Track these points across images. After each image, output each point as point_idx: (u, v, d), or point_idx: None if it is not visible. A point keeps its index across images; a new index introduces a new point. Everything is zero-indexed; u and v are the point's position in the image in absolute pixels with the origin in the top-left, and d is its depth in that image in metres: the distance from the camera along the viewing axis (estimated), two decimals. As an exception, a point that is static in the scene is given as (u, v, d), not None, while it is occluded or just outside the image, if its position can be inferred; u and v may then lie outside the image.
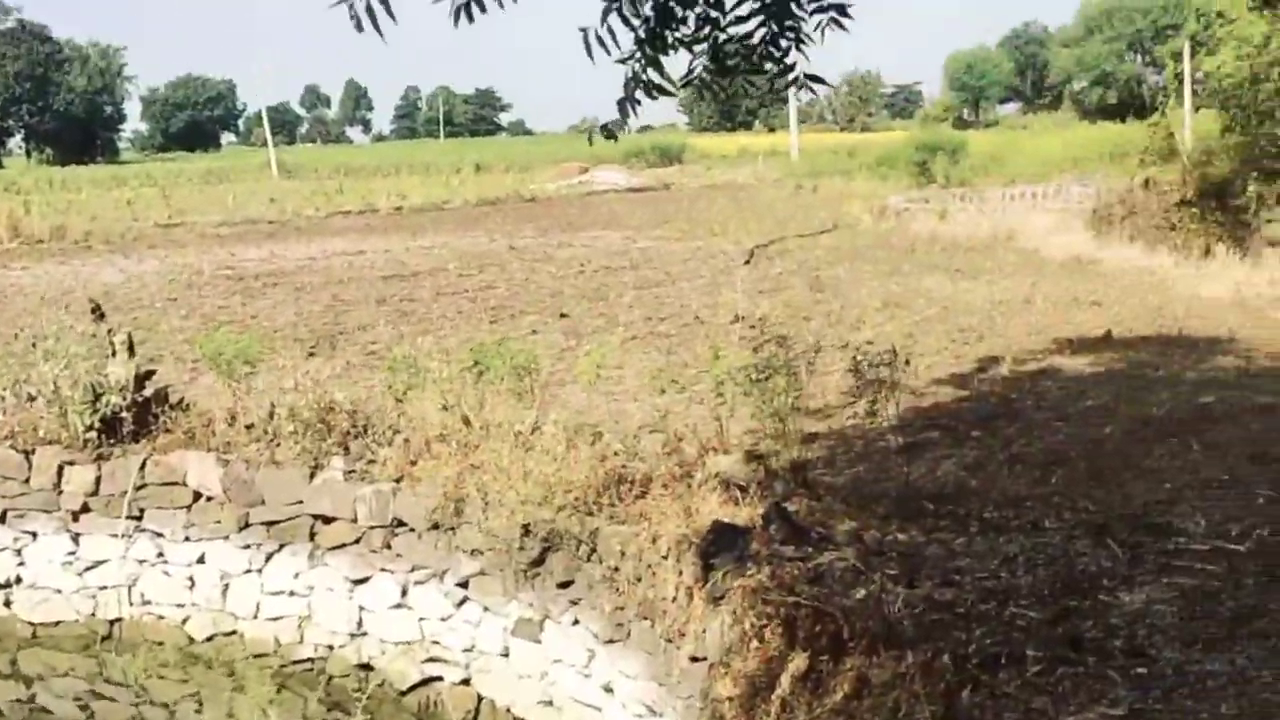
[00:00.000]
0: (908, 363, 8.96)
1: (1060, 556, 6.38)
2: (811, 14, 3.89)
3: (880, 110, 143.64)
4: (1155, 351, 13.07)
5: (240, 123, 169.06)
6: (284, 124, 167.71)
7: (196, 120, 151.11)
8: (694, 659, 6.29)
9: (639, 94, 3.84)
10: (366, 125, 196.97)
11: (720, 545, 6.57)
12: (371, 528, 8.86)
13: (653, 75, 3.78)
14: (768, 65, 3.86)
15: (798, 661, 5.00)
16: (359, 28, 3.52)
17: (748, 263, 23.02)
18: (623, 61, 3.72)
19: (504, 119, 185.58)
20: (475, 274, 22.11)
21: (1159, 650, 5.13)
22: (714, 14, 3.90)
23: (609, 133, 3.95)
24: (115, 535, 9.84)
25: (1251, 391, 11.03)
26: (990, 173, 37.95)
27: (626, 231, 30.59)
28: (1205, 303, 16.63)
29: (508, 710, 8.29)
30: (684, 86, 3.80)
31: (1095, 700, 4.65)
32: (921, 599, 5.73)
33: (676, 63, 3.87)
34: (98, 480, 9.91)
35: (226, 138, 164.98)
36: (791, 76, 3.89)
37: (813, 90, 4.01)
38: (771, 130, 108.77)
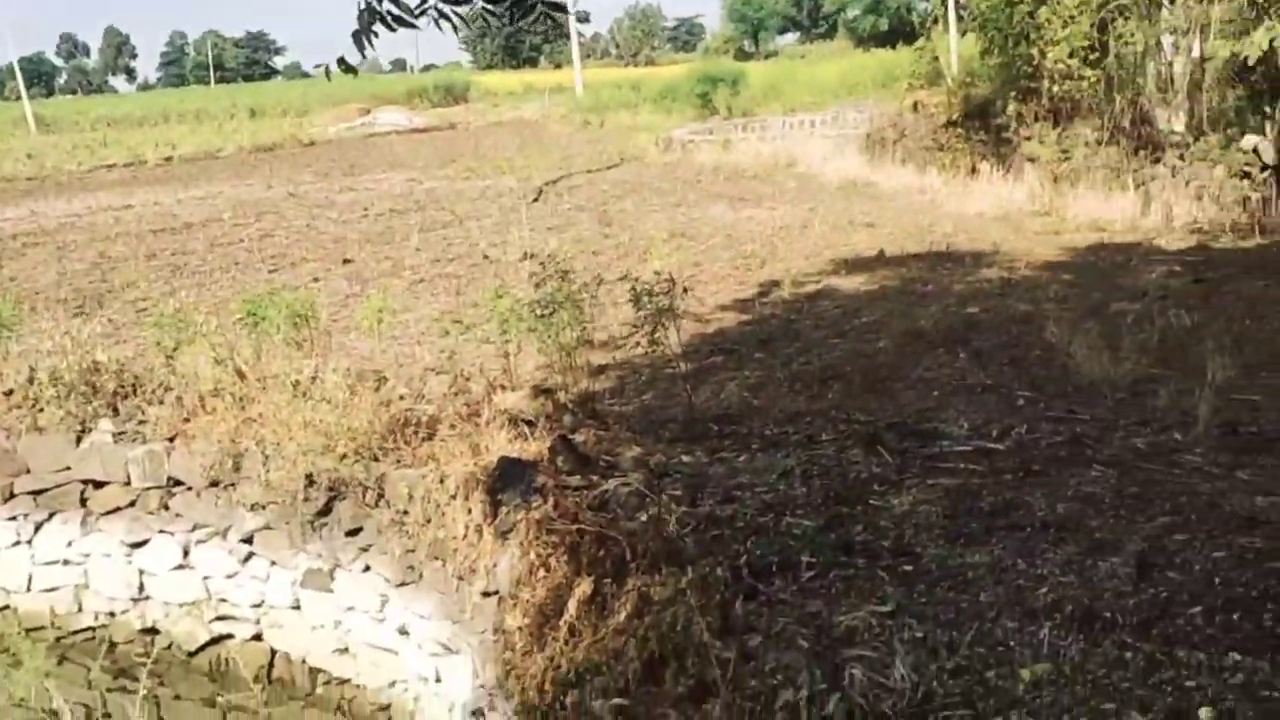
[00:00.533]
0: (686, 291, 9.08)
1: (834, 467, 6.62)
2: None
3: (664, 44, 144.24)
4: (925, 267, 13.65)
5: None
6: (40, 75, 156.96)
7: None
8: (486, 594, 6.28)
9: (377, 26, 3.70)
10: (131, 74, 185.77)
11: (507, 481, 6.56)
12: (147, 489, 8.49)
13: (389, 6, 3.64)
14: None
15: (583, 586, 5.05)
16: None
17: (536, 200, 22.89)
18: (356, -8, 3.56)
19: (278, 62, 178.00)
20: (252, 223, 21.27)
21: (924, 548, 5.39)
22: (446, -60, 3.77)
23: (346, 66, 3.81)
24: None
25: (1014, 300, 11.67)
26: (770, 102, 38.59)
27: (411, 173, 29.96)
28: (971, 219, 17.44)
29: (303, 661, 8.13)
30: (419, 15, 3.66)
31: (865, 599, 4.86)
32: (703, 517, 5.86)
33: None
34: None
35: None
36: (530, 3, 3.81)
37: (552, 18, 3.94)
38: (558, 66, 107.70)
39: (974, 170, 21.28)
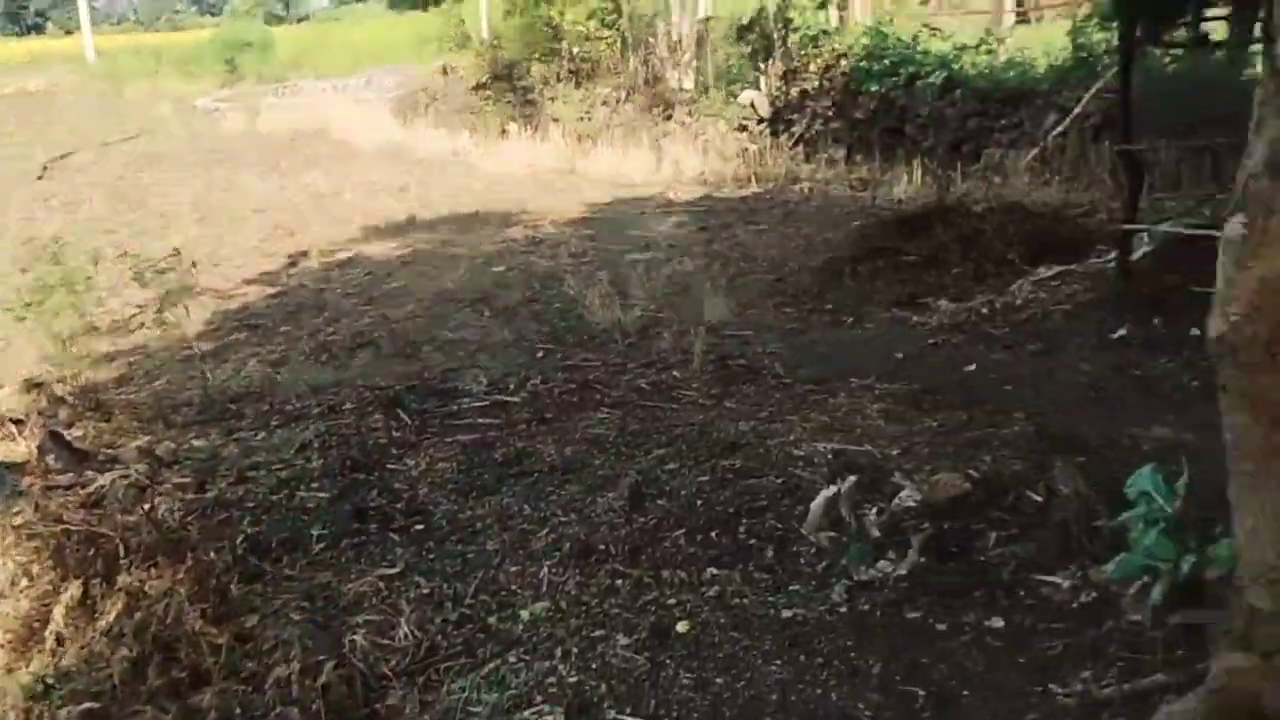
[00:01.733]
0: (195, 265, 8.63)
1: (354, 435, 6.53)
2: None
3: (188, 8, 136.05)
4: (456, 229, 13.77)
5: None
6: None
7: None
8: (-29, 615, 5.68)
9: None
10: None
11: (-14, 487, 5.96)
12: None
13: None
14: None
15: (71, 590, 4.67)
16: None
17: (40, 178, 20.88)
18: None
19: None
20: None
21: (437, 505, 5.46)
22: None
23: None
24: None
25: (537, 257, 12.03)
26: (302, 68, 37.35)
27: (-112, 154, 26.39)
28: (502, 179, 17.77)
29: None
30: None
31: (375, 564, 4.85)
32: (211, 501, 5.62)
33: None
34: None
35: None
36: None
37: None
38: (69, 33, 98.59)
39: (504, 132, 21.62)
